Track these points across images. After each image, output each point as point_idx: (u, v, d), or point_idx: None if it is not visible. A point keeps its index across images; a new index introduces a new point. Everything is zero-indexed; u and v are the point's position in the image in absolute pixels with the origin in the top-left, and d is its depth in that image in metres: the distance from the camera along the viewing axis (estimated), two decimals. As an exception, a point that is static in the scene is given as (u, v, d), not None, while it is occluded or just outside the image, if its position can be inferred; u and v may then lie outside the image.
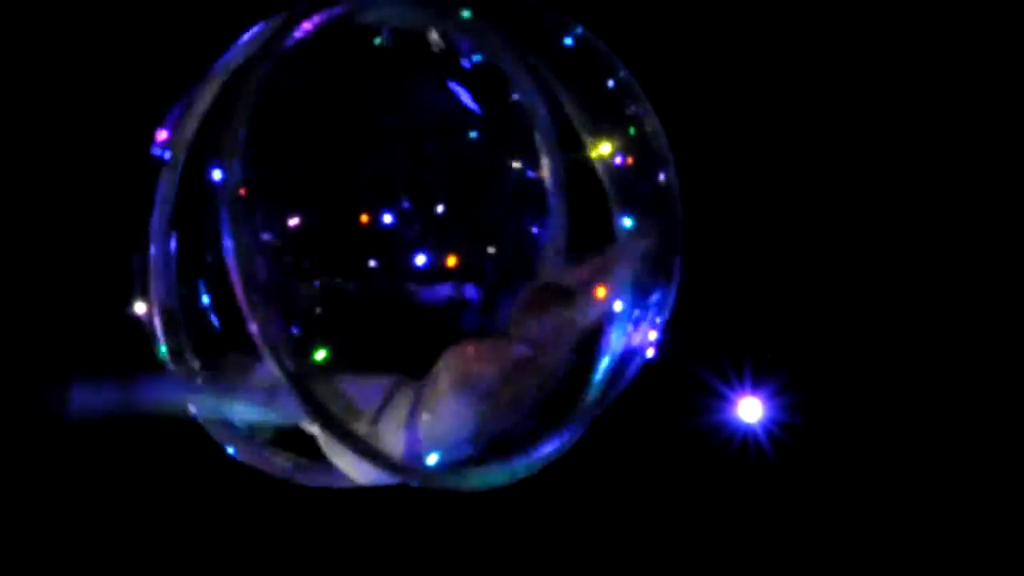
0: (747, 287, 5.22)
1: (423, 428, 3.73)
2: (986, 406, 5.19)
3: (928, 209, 5.25)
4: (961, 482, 5.17)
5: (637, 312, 3.87)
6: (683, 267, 3.99)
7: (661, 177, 3.79)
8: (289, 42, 3.51)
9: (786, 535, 5.26)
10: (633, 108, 3.69)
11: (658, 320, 3.86)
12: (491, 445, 3.87)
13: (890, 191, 5.26)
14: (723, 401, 5.11)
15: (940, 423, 5.19)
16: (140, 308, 3.79)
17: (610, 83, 3.65)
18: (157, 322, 3.79)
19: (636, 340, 3.85)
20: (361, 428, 3.73)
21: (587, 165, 3.84)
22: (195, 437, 4.06)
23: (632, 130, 3.70)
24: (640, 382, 5.10)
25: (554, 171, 3.99)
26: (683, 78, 4.98)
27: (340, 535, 5.22)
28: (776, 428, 5.12)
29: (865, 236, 5.25)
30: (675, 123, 4.01)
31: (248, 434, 3.99)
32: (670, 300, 3.90)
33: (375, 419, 3.78)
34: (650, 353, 4.02)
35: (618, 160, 3.73)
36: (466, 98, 3.81)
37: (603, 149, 3.78)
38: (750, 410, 5.10)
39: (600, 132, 3.72)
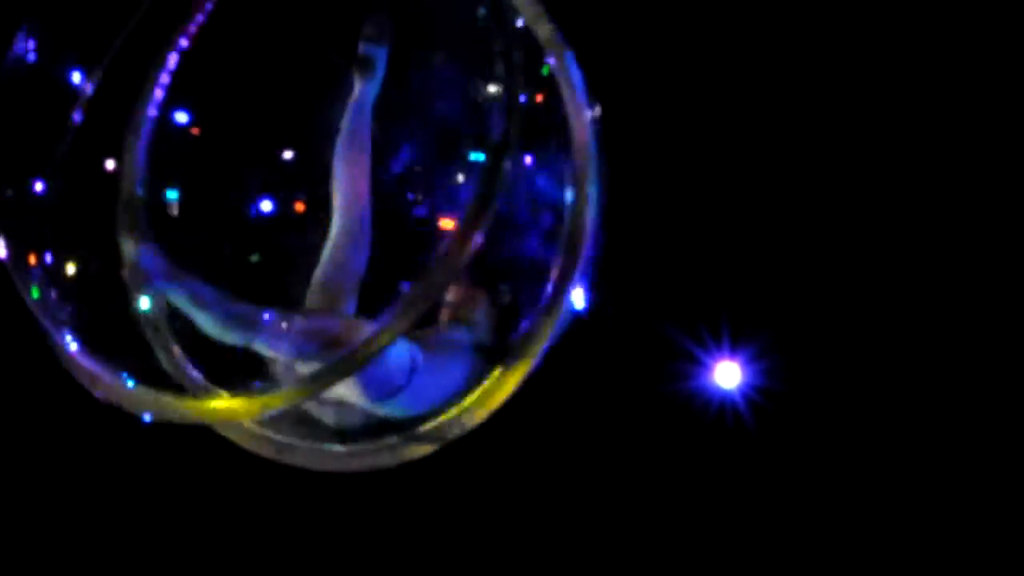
0: (723, 247, 5.14)
1: None
2: (967, 366, 5.10)
3: (905, 165, 5.15)
4: (944, 449, 5.10)
5: None
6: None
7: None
8: None
9: (765, 504, 5.19)
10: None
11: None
12: None
13: (869, 147, 5.15)
14: (700, 366, 5.05)
15: (926, 388, 5.11)
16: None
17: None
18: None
19: None
20: None
21: None
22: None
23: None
24: (614, 347, 5.07)
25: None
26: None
27: (329, 520, 5.20)
28: (755, 393, 5.05)
29: (843, 193, 5.16)
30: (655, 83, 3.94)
31: None
32: None
33: None
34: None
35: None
36: None
37: None
38: (728, 375, 5.04)
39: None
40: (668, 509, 5.25)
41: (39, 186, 3.51)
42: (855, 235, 5.16)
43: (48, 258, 3.48)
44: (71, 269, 3.52)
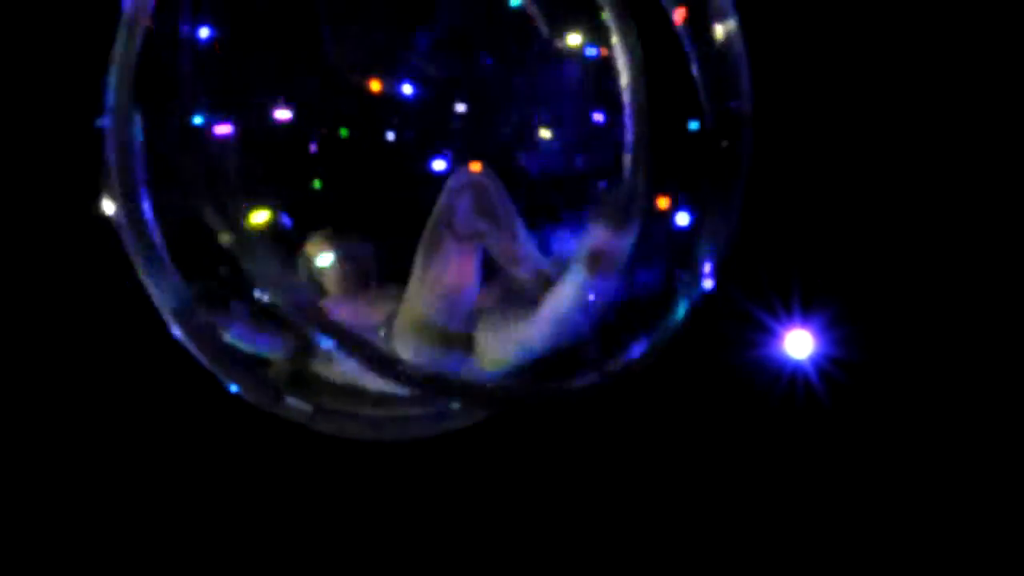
0: (795, 211, 4.98)
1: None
2: None
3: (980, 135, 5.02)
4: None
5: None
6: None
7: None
8: None
9: (836, 477, 5.08)
10: None
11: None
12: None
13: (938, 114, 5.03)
14: (770, 335, 4.79)
15: (1005, 361, 4.97)
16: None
17: None
18: None
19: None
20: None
21: None
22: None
23: None
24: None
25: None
26: None
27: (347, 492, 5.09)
28: (827, 363, 4.82)
29: (919, 158, 5.03)
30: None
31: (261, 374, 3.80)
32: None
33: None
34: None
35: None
36: None
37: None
38: (799, 344, 4.78)
39: None
40: (734, 485, 5.14)
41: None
42: (931, 199, 5.02)
43: None
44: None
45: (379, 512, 5.17)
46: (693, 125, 3.71)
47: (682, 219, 3.89)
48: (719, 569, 5.19)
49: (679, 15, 3.54)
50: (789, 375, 4.84)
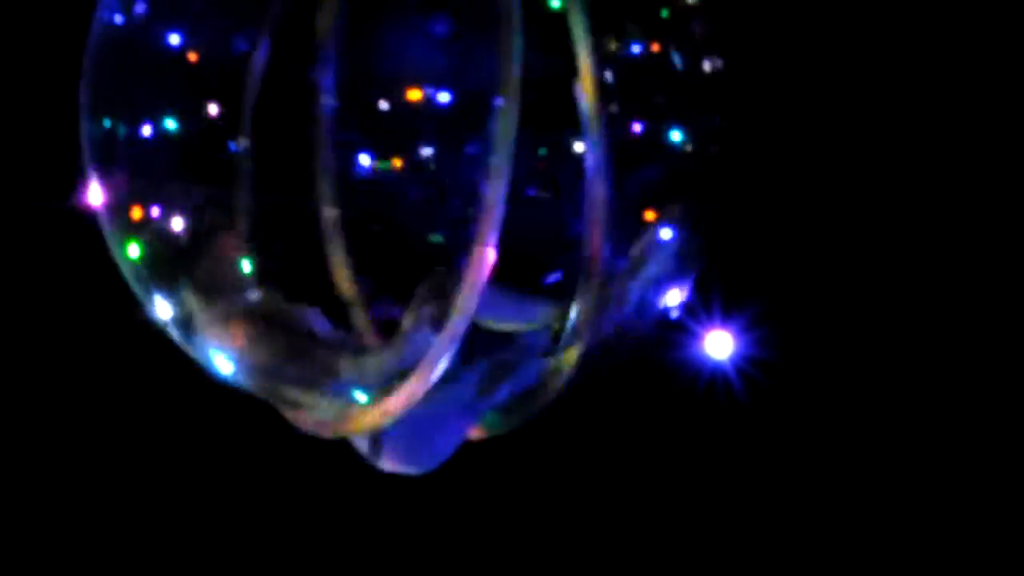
0: (716, 212, 5.02)
1: None
2: (967, 335, 5.06)
3: (902, 127, 5.09)
4: (946, 423, 5.06)
5: None
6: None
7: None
8: None
9: (756, 477, 5.16)
10: None
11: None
12: None
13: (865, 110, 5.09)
14: (690, 336, 4.85)
15: (926, 357, 5.06)
16: None
17: None
18: None
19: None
20: None
21: None
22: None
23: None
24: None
25: None
26: None
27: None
28: (747, 364, 4.86)
29: (836, 155, 5.10)
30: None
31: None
32: None
33: None
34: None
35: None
36: None
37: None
38: (719, 345, 4.85)
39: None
40: (655, 484, 5.18)
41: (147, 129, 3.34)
42: (852, 199, 5.08)
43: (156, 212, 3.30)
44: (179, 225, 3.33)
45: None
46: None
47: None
48: (646, 566, 5.26)
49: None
50: (709, 375, 4.93)
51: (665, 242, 3.54)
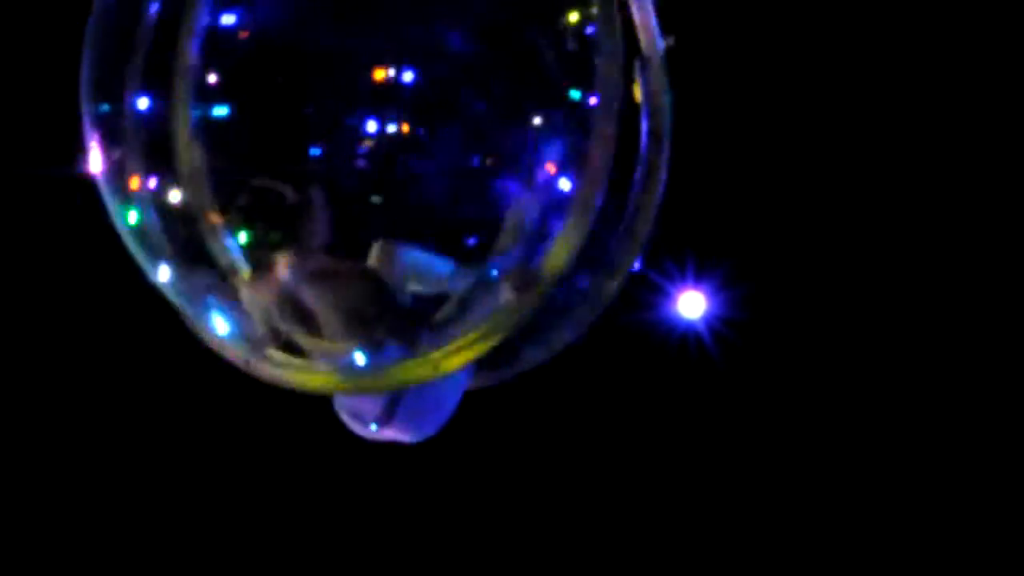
0: (686, 183, 5.11)
1: None
2: (929, 300, 5.21)
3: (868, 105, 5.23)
4: (908, 377, 5.21)
5: None
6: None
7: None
8: None
9: (728, 433, 5.28)
10: None
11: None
12: None
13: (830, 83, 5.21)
14: (664, 296, 4.97)
15: (888, 322, 5.19)
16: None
17: None
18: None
19: None
20: None
21: None
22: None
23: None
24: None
25: None
26: None
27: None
28: (719, 324, 5.01)
29: (808, 126, 5.21)
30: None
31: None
32: None
33: None
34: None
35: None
36: None
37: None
38: (692, 305, 4.96)
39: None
40: (631, 440, 5.31)
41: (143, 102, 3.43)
42: (811, 170, 5.20)
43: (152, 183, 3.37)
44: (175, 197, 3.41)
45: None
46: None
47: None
48: (620, 524, 5.43)
49: None
50: (682, 334, 5.04)
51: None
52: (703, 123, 5.05)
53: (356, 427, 3.94)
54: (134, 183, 3.41)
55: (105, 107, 3.43)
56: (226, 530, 5.54)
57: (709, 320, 5.01)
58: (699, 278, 4.99)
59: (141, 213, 3.41)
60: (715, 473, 5.30)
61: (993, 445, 5.20)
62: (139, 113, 3.48)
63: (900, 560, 5.26)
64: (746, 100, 5.10)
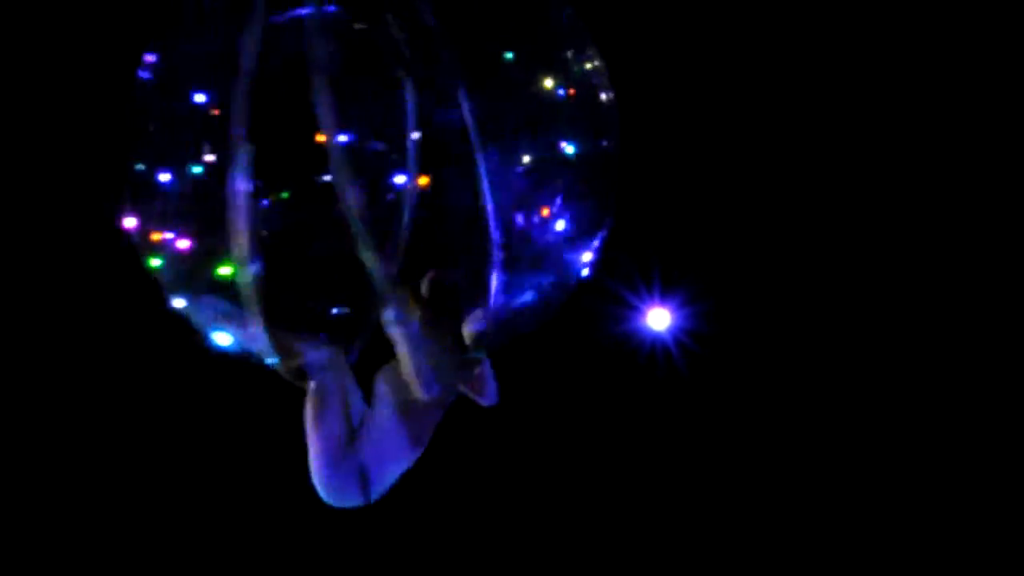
0: (654, 206, 5.37)
1: None
2: (886, 317, 5.45)
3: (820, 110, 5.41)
4: (869, 384, 5.44)
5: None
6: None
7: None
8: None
9: (694, 438, 5.51)
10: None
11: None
12: None
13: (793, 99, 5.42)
14: (634, 311, 5.34)
15: (850, 329, 5.43)
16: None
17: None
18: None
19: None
20: None
21: None
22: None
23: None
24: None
25: None
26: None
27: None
28: (684, 336, 5.37)
29: (772, 146, 5.42)
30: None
31: None
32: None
33: None
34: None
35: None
36: None
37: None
38: (659, 319, 5.34)
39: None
40: (601, 448, 5.54)
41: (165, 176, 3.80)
42: (769, 194, 5.41)
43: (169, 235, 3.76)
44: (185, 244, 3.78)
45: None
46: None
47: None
48: (591, 528, 5.60)
49: None
50: (650, 346, 5.38)
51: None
52: (671, 151, 5.33)
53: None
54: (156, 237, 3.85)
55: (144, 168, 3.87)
56: (225, 530, 5.70)
57: (675, 333, 5.38)
58: (665, 295, 5.35)
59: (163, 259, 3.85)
60: (680, 474, 5.50)
61: (957, 456, 5.43)
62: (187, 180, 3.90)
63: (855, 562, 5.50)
64: (712, 126, 5.33)
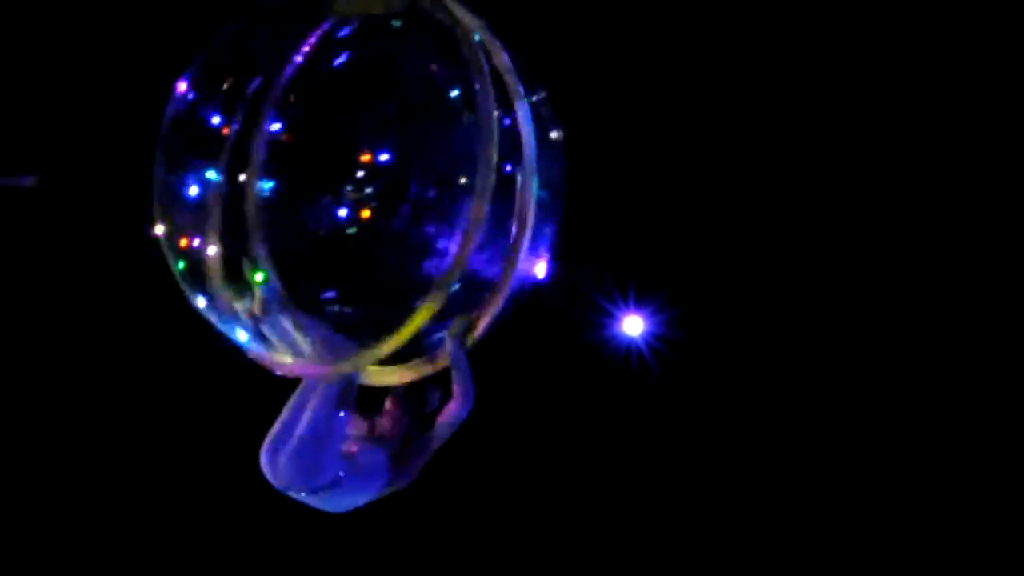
0: (628, 214, 5.48)
1: None
2: (863, 323, 5.52)
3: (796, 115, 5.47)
4: (841, 389, 5.53)
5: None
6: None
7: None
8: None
9: (667, 443, 5.61)
10: None
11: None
12: None
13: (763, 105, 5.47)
14: (608, 317, 5.43)
15: (826, 336, 5.50)
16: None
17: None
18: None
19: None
20: None
21: None
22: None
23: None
24: (528, 299, 5.40)
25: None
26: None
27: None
28: (657, 342, 5.46)
29: (743, 152, 5.48)
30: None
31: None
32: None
33: None
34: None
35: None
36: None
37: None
38: (633, 325, 5.42)
39: None
40: (576, 451, 5.63)
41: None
42: (759, 188, 5.46)
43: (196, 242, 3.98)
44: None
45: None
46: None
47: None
48: (567, 530, 5.69)
49: None
50: (625, 351, 5.46)
51: None
52: (646, 158, 5.40)
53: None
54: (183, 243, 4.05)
55: (174, 178, 4.07)
56: (226, 529, 5.75)
57: (648, 338, 5.46)
58: (639, 302, 5.42)
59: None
60: (652, 477, 5.60)
61: (932, 460, 5.50)
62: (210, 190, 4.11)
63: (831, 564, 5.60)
64: (687, 134, 5.41)
